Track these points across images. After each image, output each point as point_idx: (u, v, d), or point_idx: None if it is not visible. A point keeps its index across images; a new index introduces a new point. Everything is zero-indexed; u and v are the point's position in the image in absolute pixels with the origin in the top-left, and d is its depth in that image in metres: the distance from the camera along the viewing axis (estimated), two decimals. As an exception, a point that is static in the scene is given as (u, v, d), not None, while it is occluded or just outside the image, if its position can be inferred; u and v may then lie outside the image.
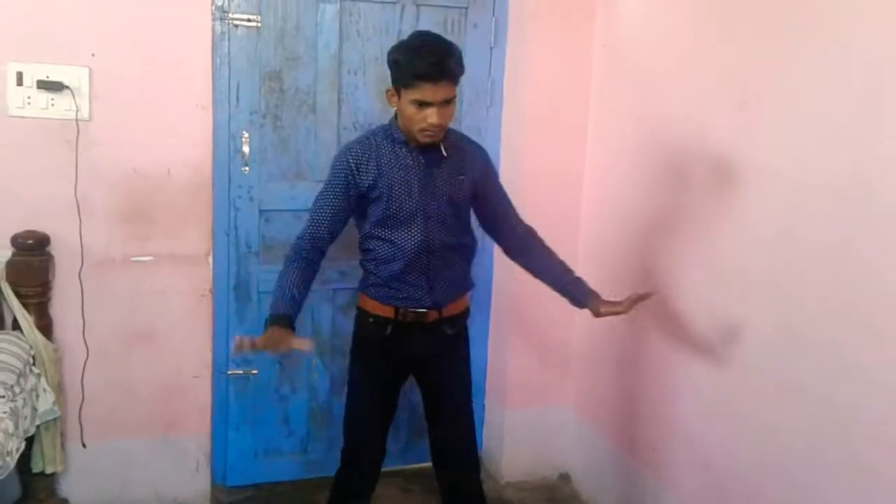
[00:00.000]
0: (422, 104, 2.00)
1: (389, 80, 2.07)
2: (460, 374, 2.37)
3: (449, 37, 2.81)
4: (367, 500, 2.39)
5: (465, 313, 2.35)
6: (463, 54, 2.85)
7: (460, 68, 2.05)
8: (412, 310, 2.20)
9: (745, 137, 2.10)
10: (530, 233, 2.36)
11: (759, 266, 2.06)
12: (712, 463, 2.25)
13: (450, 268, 2.22)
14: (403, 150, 2.13)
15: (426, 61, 1.97)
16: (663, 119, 2.48)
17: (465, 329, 2.37)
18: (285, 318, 2.04)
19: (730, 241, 2.17)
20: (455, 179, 2.18)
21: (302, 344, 2.03)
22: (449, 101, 2.04)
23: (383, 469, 2.98)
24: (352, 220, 2.24)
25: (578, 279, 2.31)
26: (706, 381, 2.27)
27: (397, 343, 2.24)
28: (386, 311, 2.21)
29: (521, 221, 2.36)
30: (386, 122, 2.19)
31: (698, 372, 2.31)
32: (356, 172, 2.11)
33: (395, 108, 2.10)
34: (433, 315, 2.22)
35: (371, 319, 2.23)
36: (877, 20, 1.70)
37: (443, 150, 2.14)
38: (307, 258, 2.14)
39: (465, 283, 2.32)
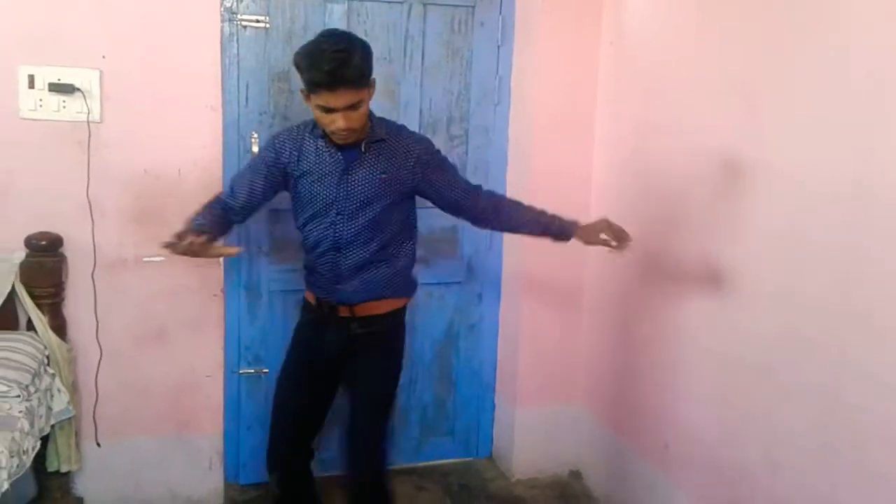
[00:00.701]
0: (327, 109, 1.99)
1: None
2: (368, 381, 2.28)
3: (456, 35, 2.87)
4: None
5: (388, 318, 2.24)
6: (471, 52, 2.90)
7: (360, 74, 1.96)
8: (326, 301, 2.23)
9: (751, 137, 2.10)
10: (494, 200, 2.32)
11: (765, 266, 2.05)
12: (723, 461, 2.25)
13: (365, 269, 2.17)
14: (322, 144, 2.12)
15: (322, 70, 1.92)
16: (670, 117, 2.48)
17: (389, 337, 2.28)
18: (201, 227, 2.06)
19: (735, 241, 2.17)
20: (375, 178, 2.12)
21: (230, 250, 2.09)
22: (355, 106, 1.98)
23: (397, 467, 3.01)
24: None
25: (554, 216, 2.25)
26: (716, 380, 2.27)
27: (315, 333, 2.27)
28: (310, 297, 2.29)
29: (482, 198, 2.28)
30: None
31: (708, 370, 2.31)
32: (277, 157, 2.16)
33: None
34: (344, 311, 2.21)
35: (303, 303, 2.34)
36: (881, 22, 1.69)
37: (361, 147, 2.11)
38: (223, 204, 2.21)
39: (388, 288, 2.22)
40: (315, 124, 2.12)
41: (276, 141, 2.19)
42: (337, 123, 2.00)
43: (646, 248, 2.62)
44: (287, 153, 2.15)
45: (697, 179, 2.34)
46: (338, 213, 2.14)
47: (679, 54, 2.43)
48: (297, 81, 2.67)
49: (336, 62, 1.91)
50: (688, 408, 2.41)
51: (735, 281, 2.18)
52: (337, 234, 2.15)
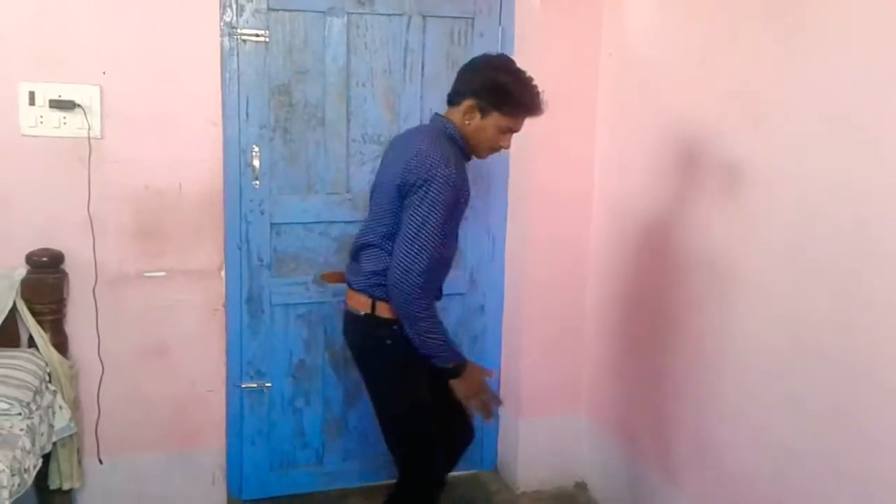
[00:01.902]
0: (509, 130, 2.09)
1: (474, 91, 2.07)
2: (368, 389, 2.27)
3: (455, 47, 2.89)
4: None
5: (366, 322, 2.13)
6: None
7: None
8: None
9: (754, 146, 2.10)
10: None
11: (771, 274, 2.05)
12: (730, 472, 2.24)
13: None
14: (464, 159, 2.14)
15: (536, 97, 2.08)
16: (672, 128, 2.47)
17: (369, 351, 2.18)
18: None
19: (740, 249, 2.16)
20: None
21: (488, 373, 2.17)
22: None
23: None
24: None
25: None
26: (722, 390, 2.26)
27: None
28: None
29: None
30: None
31: (714, 380, 2.30)
32: (459, 193, 2.04)
33: (468, 122, 2.09)
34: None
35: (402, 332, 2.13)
36: (887, 29, 1.69)
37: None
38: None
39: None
40: (455, 140, 2.10)
41: (458, 179, 2.02)
42: (505, 144, 2.13)
43: (649, 259, 2.61)
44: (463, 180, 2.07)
45: (701, 189, 2.33)
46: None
47: (680, 65, 2.43)
48: (301, 95, 2.73)
49: (541, 97, 2.10)
50: (693, 417, 2.40)
51: (740, 289, 2.17)
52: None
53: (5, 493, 1.80)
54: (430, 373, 2.16)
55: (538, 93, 2.10)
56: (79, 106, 2.40)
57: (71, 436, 2.39)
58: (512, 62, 2.14)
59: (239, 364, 2.81)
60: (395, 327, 2.08)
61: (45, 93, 2.38)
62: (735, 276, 2.19)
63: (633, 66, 2.69)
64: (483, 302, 3.09)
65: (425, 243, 1.96)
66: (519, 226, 2.98)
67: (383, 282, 2.05)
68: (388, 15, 2.79)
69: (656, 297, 2.58)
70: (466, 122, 2.10)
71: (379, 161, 2.82)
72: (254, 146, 2.71)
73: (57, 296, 2.41)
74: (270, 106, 2.72)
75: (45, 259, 2.38)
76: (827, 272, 1.86)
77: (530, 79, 2.09)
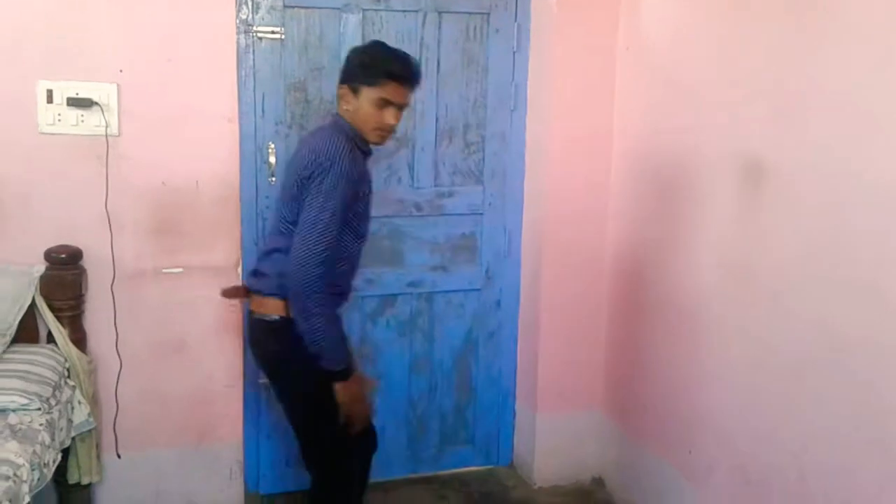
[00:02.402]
0: (385, 104, 2.03)
1: (343, 78, 2.08)
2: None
3: (471, 43, 2.88)
4: None
5: (281, 326, 2.05)
6: (486, 59, 2.90)
7: (420, 77, 2.13)
8: None
9: (774, 140, 2.07)
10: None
11: (795, 267, 2.02)
12: (750, 466, 2.22)
13: None
14: (361, 153, 2.11)
15: (402, 63, 2.05)
16: (690, 122, 2.45)
17: (287, 357, 2.08)
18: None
19: (762, 242, 2.14)
20: None
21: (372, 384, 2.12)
22: (404, 107, 2.09)
23: (417, 475, 3.01)
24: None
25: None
26: (742, 383, 2.24)
27: None
28: None
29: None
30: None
31: (734, 374, 2.28)
32: (357, 184, 2.03)
33: (346, 108, 2.07)
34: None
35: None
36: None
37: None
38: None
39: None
40: (350, 135, 2.06)
41: (353, 171, 2.00)
42: (389, 119, 2.05)
43: (666, 256, 2.60)
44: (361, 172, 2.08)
45: (720, 183, 2.31)
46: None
47: (698, 58, 2.41)
48: (316, 91, 2.73)
49: (414, 61, 2.09)
50: (713, 412, 2.38)
51: (763, 282, 2.14)
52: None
53: (25, 488, 1.82)
54: None
55: (404, 58, 2.07)
56: (96, 104, 2.42)
57: (90, 431, 2.42)
58: (376, 42, 2.15)
59: (256, 360, 2.82)
60: None
61: (63, 91, 2.40)
62: (758, 276, 2.17)
63: (651, 60, 2.67)
64: (499, 297, 3.09)
65: (321, 236, 1.93)
66: (535, 221, 2.97)
67: None
68: (404, 11, 2.79)
69: (674, 293, 2.56)
70: (346, 109, 2.08)
71: (395, 157, 2.86)
72: (270, 143, 2.72)
73: (75, 292, 2.43)
74: (286, 102, 2.73)
75: (63, 256, 2.40)
76: (849, 271, 1.83)
77: (396, 50, 2.09)
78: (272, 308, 2.08)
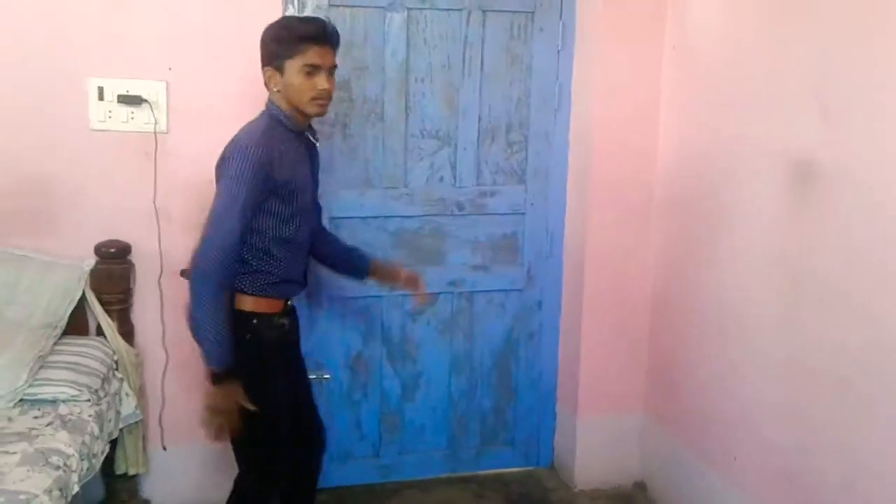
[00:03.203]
0: (312, 69, 1.99)
1: (262, 62, 2.05)
2: None
3: (515, 41, 2.87)
4: None
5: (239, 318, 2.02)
6: (530, 58, 2.88)
7: (339, 36, 2.09)
8: (291, 302, 2.21)
9: (827, 141, 2.02)
10: None
11: (845, 274, 1.97)
12: (796, 474, 2.18)
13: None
14: (294, 136, 2.08)
15: (310, 25, 2.03)
16: (739, 122, 2.41)
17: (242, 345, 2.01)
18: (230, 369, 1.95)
19: (812, 247, 2.09)
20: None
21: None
22: (332, 71, 2.05)
23: (456, 475, 3.00)
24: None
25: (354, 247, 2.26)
26: (790, 390, 2.20)
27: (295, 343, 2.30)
28: (276, 306, 2.12)
29: None
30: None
31: (780, 380, 2.23)
32: (270, 169, 1.96)
33: (277, 89, 2.04)
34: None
35: (264, 321, 2.10)
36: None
37: (313, 137, 2.16)
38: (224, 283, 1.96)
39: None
40: (277, 118, 2.04)
41: (260, 154, 1.95)
42: (322, 84, 2.00)
43: (713, 256, 2.56)
44: (278, 160, 2.01)
45: (767, 184, 2.27)
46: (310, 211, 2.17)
47: (748, 57, 2.36)
48: (360, 90, 2.74)
49: (321, 20, 2.07)
50: (758, 419, 2.34)
51: (812, 288, 2.10)
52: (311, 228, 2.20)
53: (75, 477, 1.86)
54: (293, 373, 2.19)
55: (314, 20, 2.07)
56: (146, 101, 2.46)
57: (137, 423, 2.46)
58: (283, 17, 2.14)
59: (298, 356, 2.84)
60: (254, 321, 2.04)
61: (114, 88, 2.45)
62: (804, 278, 2.12)
63: (698, 58, 2.63)
64: (540, 298, 3.07)
65: (219, 224, 1.91)
66: (577, 222, 2.95)
67: (242, 271, 2.01)
68: (448, 10, 2.79)
69: (719, 295, 2.52)
70: (276, 90, 2.03)
71: (437, 156, 2.86)
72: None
73: (124, 286, 2.48)
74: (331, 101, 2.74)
75: (112, 250, 2.45)
76: (901, 270, 1.79)
77: (304, 17, 2.11)
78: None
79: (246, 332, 2.03)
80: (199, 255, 1.91)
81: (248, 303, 2.04)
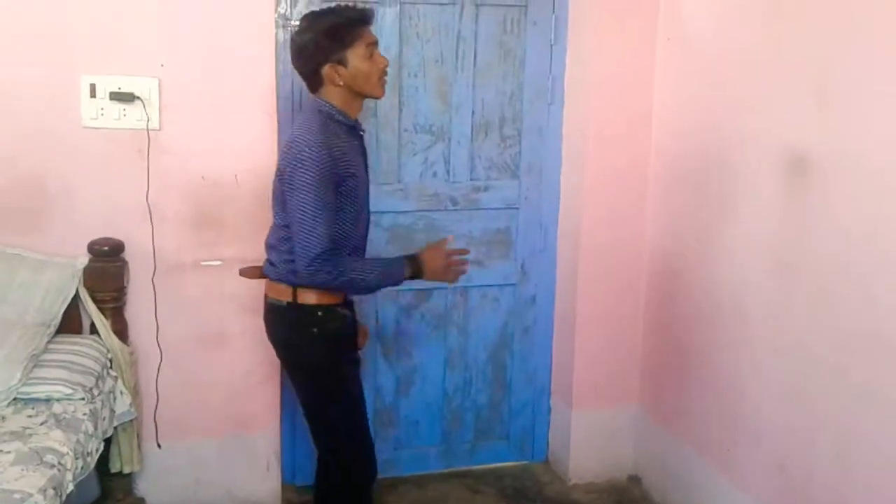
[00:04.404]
0: (372, 49, 2.04)
1: (318, 62, 2.03)
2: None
3: (508, 35, 2.87)
4: None
5: (288, 310, 2.09)
6: (523, 52, 2.88)
7: None
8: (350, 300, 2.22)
9: (821, 132, 2.03)
10: None
11: (839, 263, 1.98)
12: (790, 464, 2.19)
13: None
14: (352, 132, 2.11)
15: (353, 9, 2.06)
16: (733, 114, 2.41)
17: (294, 342, 2.13)
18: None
19: (806, 237, 2.10)
20: None
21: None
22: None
23: (451, 470, 3.01)
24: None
25: None
26: (783, 380, 2.21)
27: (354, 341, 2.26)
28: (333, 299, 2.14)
29: None
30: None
31: (775, 369, 2.25)
32: (333, 165, 1.99)
33: (341, 83, 2.03)
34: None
35: (333, 315, 2.13)
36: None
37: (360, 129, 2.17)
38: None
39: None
40: (333, 116, 2.05)
41: (326, 155, 1.98)
42: (382, 61, 2.06)
43: (706, 249, 2.56)
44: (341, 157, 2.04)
45: (762, 178, 2.27)
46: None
47: (742, 48, 2.36)
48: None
49: (349, 3, 2.13)
50: (752, 409, 2.35)
51: (806, 277, 2.11)
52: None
53: (69, 476, 1.85)
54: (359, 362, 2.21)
55: (349, 5, 2.10)
56: (138, 98, 2.45)
57: (131, 420, 2.45)
58: (315, 12, 2.13)
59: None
60: (319, 314, 2.07)
61: (106, 85, 2.43)
62: (800, 267, 2.13)
63: (692, 50, 2.63)
64: (534, 292, 3.07)
65: (315, 224, 1.94)
66: (571, 216, 2.95)
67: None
68: (441, 4, 2.78)
69: (714, 288, 2.53)
70: (340, 84, 2.03)
71: (431, 151, 2.86)
72: (307, 137, 2.73)
73: (118, 284, 2.47)
74: (323, 96, 2.74)
75: (106, 248, 2.44)
76: (894, 267, 1.79)
77: (334, 6, 2.12)
78: (281, 293, 2.11)
79: (312, 326, 2.07)
80: (317, 267, 1.95)
81: (310, 296, 2.06)
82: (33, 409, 2.03)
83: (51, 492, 1.71)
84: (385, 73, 2.09)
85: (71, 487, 1.86)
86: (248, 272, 2.32)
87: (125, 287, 2.52)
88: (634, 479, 3.04)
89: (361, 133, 2.18)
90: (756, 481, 2.35)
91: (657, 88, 2.83)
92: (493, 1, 2.82)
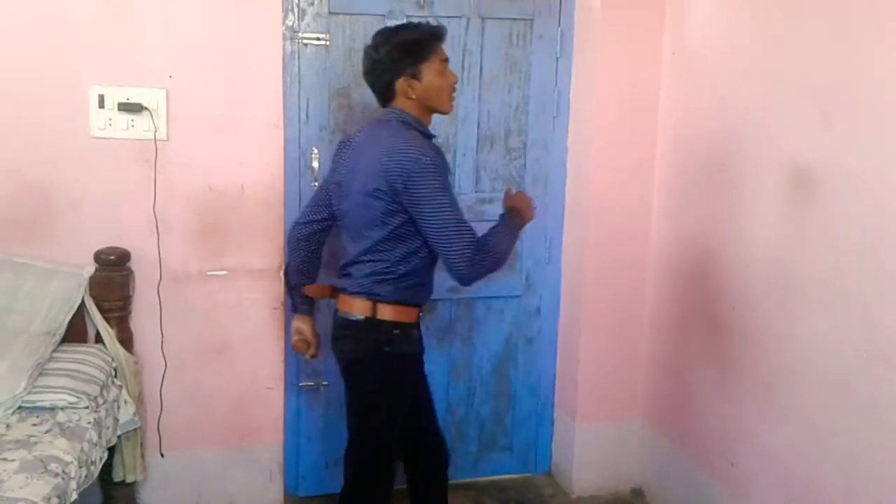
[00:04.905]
0: (444, 65, 2.08)
1: (393, 75, 2.06)
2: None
3: (514, 49, 2.88)
4: None
5: (364, 326, 2.07)
6: (529, 65, 2.90)
7: None
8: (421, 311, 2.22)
9: (825, 146, 2.04)
10: None
11: (843, 278, 1.98)
12: (794, 480, 2.18)
13: None
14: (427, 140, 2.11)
15: (428, 26, 2.10)
16: (738, 128, 2.42)
17: (363, 359, 2.11)
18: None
19: (809, 251, 2.10)
20: None
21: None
22: None
23: (454, 481, 3.00)
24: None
25: None
26: (787, 396, 2.21)
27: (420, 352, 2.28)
28: (411, 316, 2.16)
29: None
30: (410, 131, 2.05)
31: (779, 385, 2.24)
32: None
33: (413, 97, 2.06)
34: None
35: (406, 329, 2.15)
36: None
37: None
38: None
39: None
40: (415, 126, 2.06)
41: (438, 160, 2.00)
42: (453, 77, 2.10)
43: (712, 261, 2.56)
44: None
45: (766, 189, 2.28)
46: None
47: (747, 63, 2.37)
48: (359, 97, 2.75)
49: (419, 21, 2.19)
50: (757, 424, 2.34)
51: (810, 293, 2.11)
52: None
53: (73, 485, 1.86)
54: (416, 387, 2.22)
55: (419, 23, 2.15)
56: (146, 109, 2.47)
57: (135, 430, 2.46)
58: (390, 28, 2.14)
59: (296, 362, 2.84)
60: (395, 331, 2.07)
61: (115, 96, 2.45)
62: (803, 282, 2.13)
63: (697, 65, 2.64)
64: (539, 304, 3.08)
65: (458, 228, 1.95)
66: (576, 229, 2.96)
67: (386, 279, 2.04)
68: (447, 17, 2.79)
69: (718, 301, 2.53)
70: (413, 97, 2.06)
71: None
72: (313, 148, 2.75)
73: (123, 293, 2.48)
74: (330, 108, 2.75)
75: (112, 257, 2.45)
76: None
77: (410, 22, 2.19)
78: (357, 308, 2.08)
79: (384, 345, 2.06)
80: (476, 267, 1.97)
81: (388, 312, 2.06)
82: (38, 417, 2.03)
83: (55, 500, 1.72)
84: (454, 89, 2.12)
85: (74, 496, 1.86)
86: (315, 290, 2.29)
87: (131, 296, 2.53)
88: (637, 493, 3.03)
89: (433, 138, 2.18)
90: (759, 497, 2.34)
91: (662, 102, 2.84)
92: (499, 14, 2.84)
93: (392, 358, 2.08)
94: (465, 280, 2.01)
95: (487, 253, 1.98)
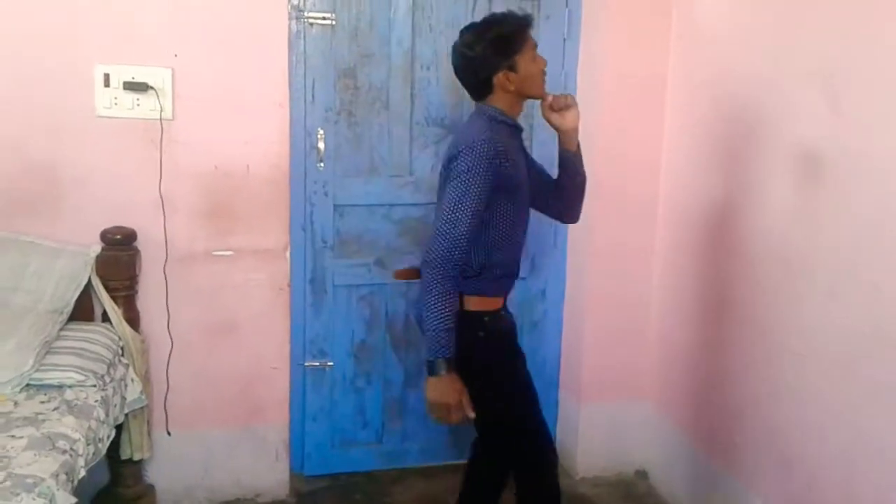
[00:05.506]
0: (534, 54, 2.06)
1: (490, 71, 2.02)
2: None
3: (521, 29, 2.84)
4: None
5: (460, 318, 1.99)
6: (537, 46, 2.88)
7: None
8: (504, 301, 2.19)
9: (834, 128, 2.03)
10: None
11: (850, 260, 1.98)
12: (797, 460, 2.19)
13: None
14: (515, 132, 2.11)
15: (514, 14, 2.07)
16: (745, 111, 2.41)
17: (464, 348, 1.99)
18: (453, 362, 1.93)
19: (818, 233, 2.10)
20: None
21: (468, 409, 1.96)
22: None
23: (458, 462, 2.99)
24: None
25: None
26: (792, 377, 2.21)
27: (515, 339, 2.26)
28: (496, 304, 2.14)
29: None
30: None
31: (783, 366, 2.24)
32: (499, 163, 1.97)
33: (512, 88, 2.04)
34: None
35: (493, 317, 2.12)
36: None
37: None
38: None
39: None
40: (495, 123, 2.04)
41: (492, 149, 1.96)
42: (543, 63, 2.09)
43: (719, 242, 2.56)
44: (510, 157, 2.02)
45: (774, 175, 2.27)
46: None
47: (753, 46, 2.36)
48: (366, 77, 2.74)
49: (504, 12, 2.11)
50: (761, 405, 2.35)
51: (817, 274, 2.10)
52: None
53: (81, 462, 1.87)
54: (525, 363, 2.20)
55: (507, 13, 2.09)
56: (151, 88, 2.46)
57: (142, 408, 2.47)
58: (471, 27, 2.09)
59: (302, 343, 2.86)
60: (485, 319, 2.06)
61: (120, 75, 2.45)
62: (812, 265, 2.12)
63: (705, 48, 2.62)
64: (544, 287, 3.08)
65: (455, 213, 1.91)
66: (583, 211, 2.94)
67: (467, 275, 2.03)
68: (455, -3, 2.78)
69: (724, 283, 2.53)
70: (511, 89, 2.04)
71: (442, 144, 2.86)
72: (319, 129, 2.74)
73: (130, 272, 2.49)
74: (336, 89, 2.74)
75: (118, 237, 2.45)
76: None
77: (492, 15, 2.11)
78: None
79: (478, 331, 2.05)
80: (431, 247, 1.93)
81: (473, 303, 2.06)
82: (46, 395, 2.04)
83: (63, 477, 1.73)
84: (545, 72, 2.10)
85: (83, 473, 1.87)
86: (405, 274, 2.27)
87: (137, 276, 2.53)
88: (641, 474, 3.05)
89: (521, 128, 2.16)
90: (763, 478, 2.35)
91: (669, 85, 2.82)
92: (506, -6, 2.82)
93: (487, 343, 2.08)
94: (423, 267, 1.95)
95: (442, 286, 1.91)
